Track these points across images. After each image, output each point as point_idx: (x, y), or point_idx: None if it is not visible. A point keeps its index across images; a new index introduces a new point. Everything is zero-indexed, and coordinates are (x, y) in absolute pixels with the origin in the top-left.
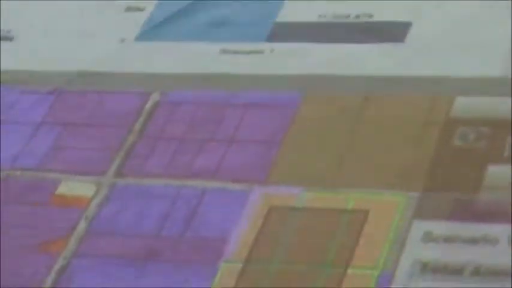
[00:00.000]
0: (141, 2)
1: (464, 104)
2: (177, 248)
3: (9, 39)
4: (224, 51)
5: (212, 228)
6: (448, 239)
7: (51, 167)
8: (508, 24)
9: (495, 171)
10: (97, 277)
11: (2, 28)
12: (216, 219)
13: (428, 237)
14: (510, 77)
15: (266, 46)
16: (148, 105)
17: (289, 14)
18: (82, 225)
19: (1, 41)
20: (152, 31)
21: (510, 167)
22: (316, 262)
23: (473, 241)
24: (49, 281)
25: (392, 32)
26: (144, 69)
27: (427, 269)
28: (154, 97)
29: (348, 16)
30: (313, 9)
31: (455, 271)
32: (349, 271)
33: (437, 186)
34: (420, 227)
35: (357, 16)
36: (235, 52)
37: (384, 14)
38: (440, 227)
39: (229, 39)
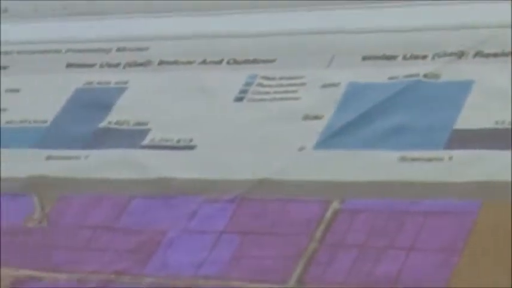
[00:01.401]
0: (319, 110)
1: None
2: None
3: (191, 148)
4: (403, 159)
5: None
6: None
7: (234, 275)
8: None
9: None
10: None
11: (184, 137)
12: None
13: None
14: None
15: (444, 153)
16: (328, 213)
17: (466, 121)
18: None
19: (183, 150)
20: (331, 139)
21: None
22: None
23: None
24: None
25: None
26: (324, 177)
27: None
28: (335, 205)
29: None
30: (490, 116)
31: None
32: None
33: None
34: None
35: None
36: (414, 160)
37: None
38: None
39: (407, 147)
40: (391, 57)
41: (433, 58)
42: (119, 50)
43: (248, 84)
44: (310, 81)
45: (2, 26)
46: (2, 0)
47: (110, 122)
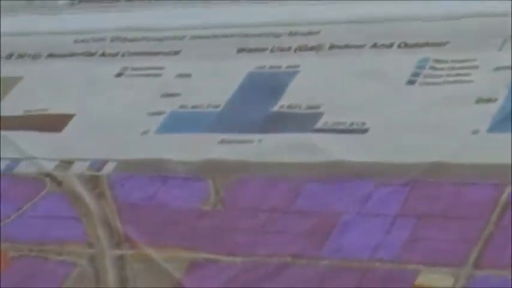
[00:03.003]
0: (492, 93)
1: None
2: None
3: (364, 131)
4: None
5: None
6: None
7: (409, 258)
8: None
9: None
10: None
11: (356, 121)
12: None
13: None
14: None
15: None
16: (503, 196)
17: None
18: None
19: (356, 134)
20: (504, 122)
21: None
22: None
23: None
24: None
25: None
26: (498, 160)
27: None
28: (510, 188)
29: None
30: None
31: None
32: None
33: None
34: None
35: None
36: None
37: None
38: None
39: None
40: None
41: None
42: (290, 34)
43: (420, 67)
44: (483, 64)
45: (174, 11)
46: None
47: (282, 106)
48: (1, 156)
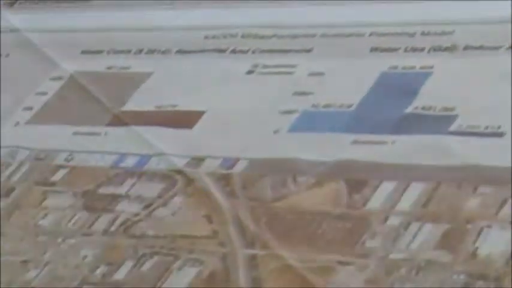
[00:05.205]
0: None
1: None
2: None
3: (500, 135)
4: None
5: None
6: None
7: None
8: None
9: None
10: None
11: (492, 124)
12: None
13: None
14: None
15: None
16: None
17: None
18: None
19: (491, 137)
20: None
21: None
22: None
23: None
24: None
25: None
26: None
27: None
28: None
29: None
30: None
31: None
32: None
33: None
34: None
35: None
36: None
37: None
38: None
39: None
40: None
41: None
42: (423, 34)
43: None
44: None
45: (305, 9)
46: None
47: (416, 107)
48: (132, 152)
